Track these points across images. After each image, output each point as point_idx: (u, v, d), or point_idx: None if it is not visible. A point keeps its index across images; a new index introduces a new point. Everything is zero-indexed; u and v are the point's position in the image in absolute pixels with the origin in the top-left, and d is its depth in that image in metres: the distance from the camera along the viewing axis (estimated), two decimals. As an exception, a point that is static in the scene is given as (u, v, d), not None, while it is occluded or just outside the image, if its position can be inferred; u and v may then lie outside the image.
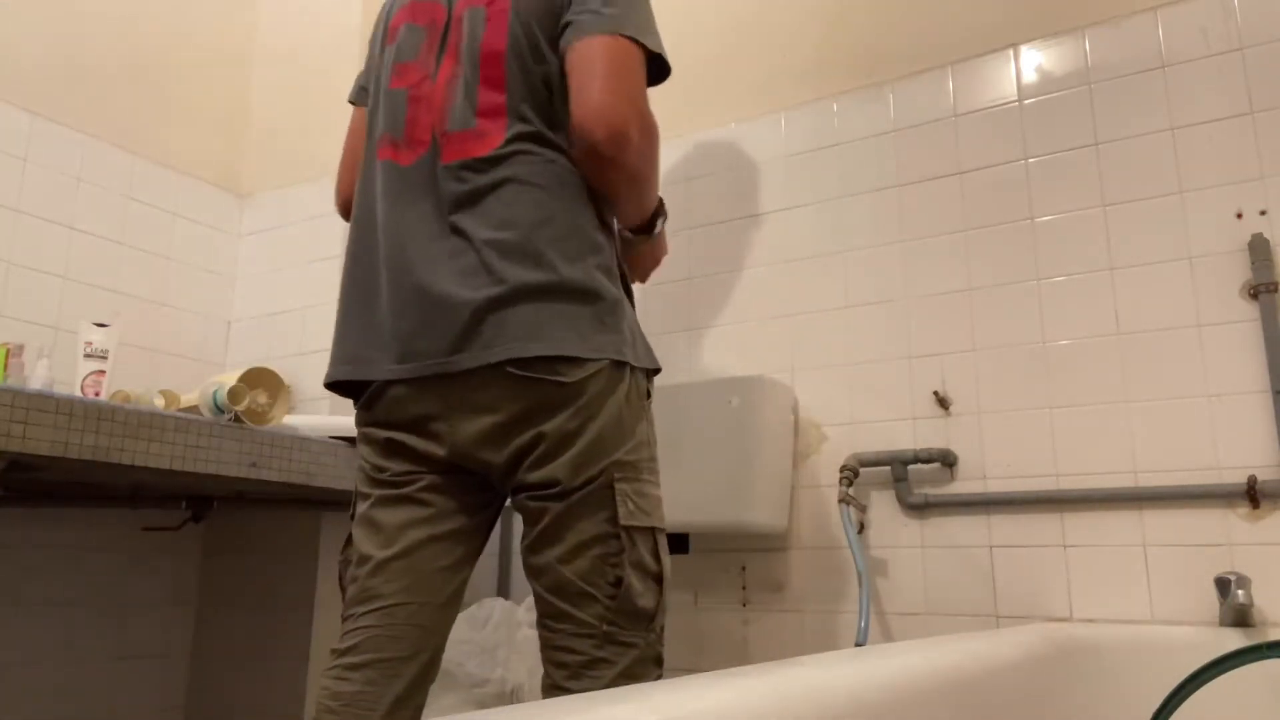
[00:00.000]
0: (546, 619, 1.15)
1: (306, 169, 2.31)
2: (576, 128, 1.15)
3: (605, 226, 1.23)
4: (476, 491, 1.22)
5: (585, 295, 1.15)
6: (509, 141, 1.18)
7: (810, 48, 2.00)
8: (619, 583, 1.12)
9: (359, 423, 1.26)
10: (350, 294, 1.25)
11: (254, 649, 2.00)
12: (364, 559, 1.19)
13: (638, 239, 1.36)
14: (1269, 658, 0.89)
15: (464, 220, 1.16)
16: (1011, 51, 1.79)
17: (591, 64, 1.16)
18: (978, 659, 0.99)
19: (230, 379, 1.52)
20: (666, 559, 1.17)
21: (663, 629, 1.16)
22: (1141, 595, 1.51)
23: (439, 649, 1.20)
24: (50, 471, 1.41)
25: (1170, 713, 0.90)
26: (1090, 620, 1.54)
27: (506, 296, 1.12)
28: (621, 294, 1.22)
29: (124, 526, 1.99)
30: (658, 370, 1.25)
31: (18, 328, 1.89)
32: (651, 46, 1.20)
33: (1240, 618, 1.37)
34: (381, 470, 1.22)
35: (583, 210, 1.19)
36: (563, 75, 1.19)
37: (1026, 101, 1.75)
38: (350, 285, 1.26)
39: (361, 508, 1.23)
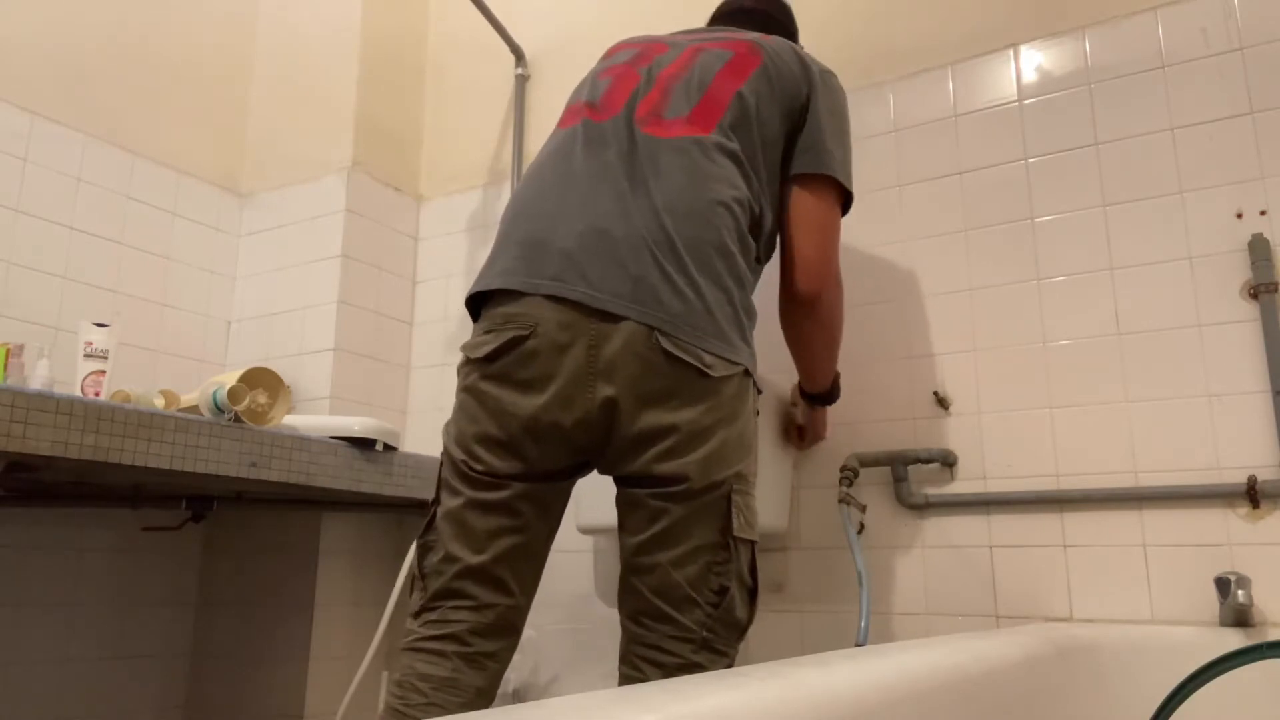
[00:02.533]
0: (644, 617, 1.16)
1: (306, 169, 2.31)
2: (790, 283, 1.34)
3: (757, 255, 1.29)
4: (558, 498, 1.24)
5: (734, 302, 1.18)
6: (711, 140, 1.24)
7: (809, 48, 1.99)
8: (723, 592, 1.14)
9: (480, 376, 1.19)
10: (513, 224, 1.26)
11: (254, 649, 2.00)
12: (451, 558, 1.19)
13: (813, 406, 1.63)
14: (1269, 657, 0.89)
15: (650, 184, 1.19)
16: (1011, 51, 1.79)
17: (808, 216, 1.34)
18: (977, 659, 0.99)
19: (230, 379, 1.52)
20: (758, 573, 1.19)
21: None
22: (1141, 595, 1.51)
23: (519, 638, 1.24)
24: (50, 471, 1.41)
25: (1170, 713, 0.90)
26: (1090, 620, 1.54)
27: (672, 273, 1.14)
28: (755, 313, 1.26)
29: (124, 526, 1.99)
30: (761, 391, 1.28)
31: (18, 328, 1.89)
32: (850, 188, 1.38)
33: (1240, 618, 1.37)
34: (475, 462, 1.18)
35: (746, 234, 1.25)
36: (783, 157, 1.34)
37: (1026, 101, 1.75)
38: (512, 220, 1.27)
39: (450, 502, 1.21)
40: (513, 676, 2.02)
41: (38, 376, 1.71)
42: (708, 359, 1.13)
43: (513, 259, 1.20)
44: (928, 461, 1.68)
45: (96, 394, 1.74)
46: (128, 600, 1.99)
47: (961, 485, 1.68)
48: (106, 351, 1.77)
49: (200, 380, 2.18)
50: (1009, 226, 1.72)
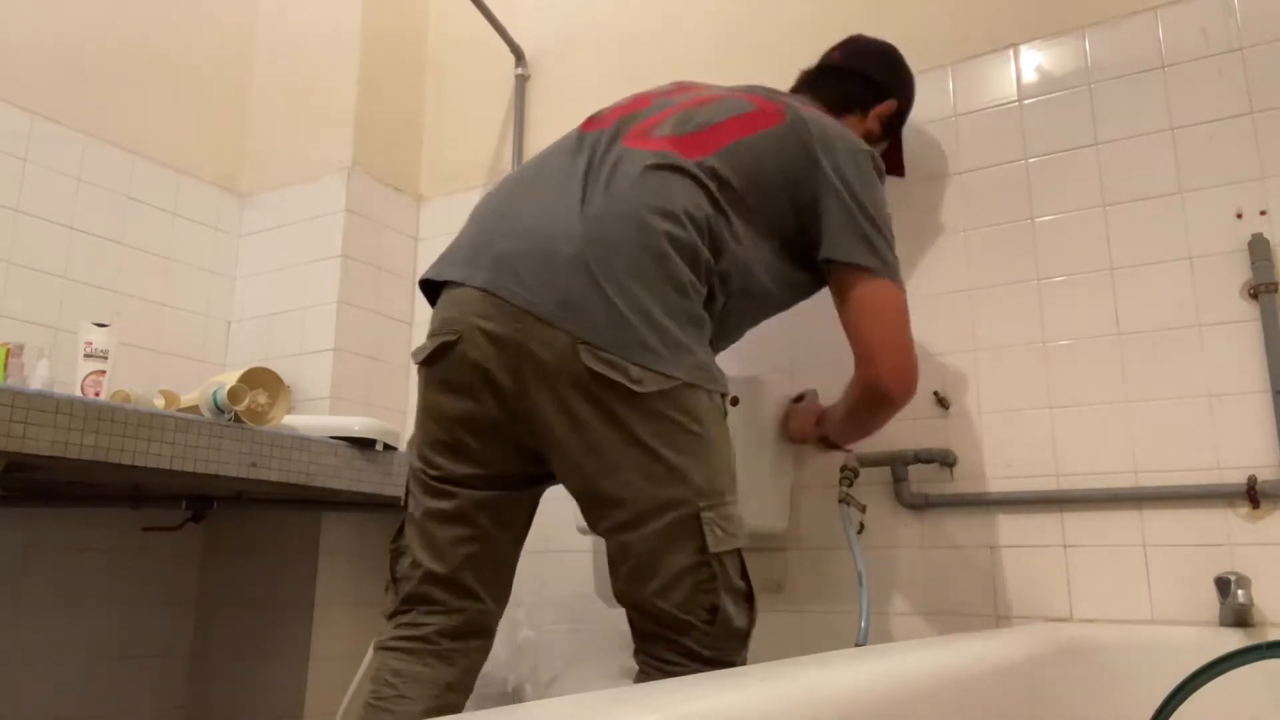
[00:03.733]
0: (646, 641, 1.17)
1: (306, 169, 2.31)
2: (876, 376, 1.31)
3: (717, 272, 1.24)
4: (517, 507, 1.25)
5: (672, 313, 1.14)
6: (688, 164, 1.21)
7: (808, 48, 1.99)
8: (715, 610, 1.13)
9: (424, 383, 1.22)
10: (471, 220, 1.29)
11: (254, 649, 2.00)
12: (417, 565, 1.22)
13: (820, 444, 1.62)
14: (1269, 657, 0.89)
15: (602, 190, 1.18)
16: (1011, 51, 1.79)
17: (884, 314, 1.30)
18: (978, 659, 0.99)
19: (230, 379, 1.52)
20: (748, 574, 1.18)
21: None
22: (1141, 595, 1.51)
23: (491, 639, 1.27)
24: (50, 471, 1.41)
25: (1170, 713, 0.90)
26: (1090, 620, 1.54)
27: (602, 282, 1.12)
28: (702, 320, 1.20)
29: (124, 526, 1.99)
30: (727, 393, 1.25)
31: (18, 328, 1.89)
32: (895, 278, 1.32)
33: (1240, 618, 1.37)
34: (430, 468, 1.21)
35: (699, 246, 1.18)
36: (798, 219, 1.29)
37: (1026, 101, 1.75)
38: (471, 216, 1.29)
39: (414, 509, 1.24)
40: (512, 676, 2.02)
41: (38, 376, 1.71)
42: (635, 372, 1.08)
43: (458, 252, 1.23)
44: (928, 461, 1.68)
45: (96, 394, 1.74)
46: (128, 600, 1.99)
47: (961, 485, 1.68)
48: (106, 351, 1.77)
49: (200, 380, 2.17)
50: (1009, 226, 1.72)
